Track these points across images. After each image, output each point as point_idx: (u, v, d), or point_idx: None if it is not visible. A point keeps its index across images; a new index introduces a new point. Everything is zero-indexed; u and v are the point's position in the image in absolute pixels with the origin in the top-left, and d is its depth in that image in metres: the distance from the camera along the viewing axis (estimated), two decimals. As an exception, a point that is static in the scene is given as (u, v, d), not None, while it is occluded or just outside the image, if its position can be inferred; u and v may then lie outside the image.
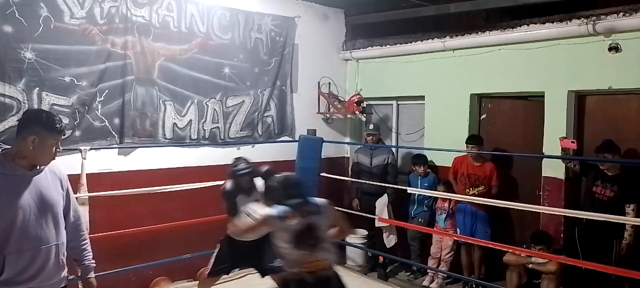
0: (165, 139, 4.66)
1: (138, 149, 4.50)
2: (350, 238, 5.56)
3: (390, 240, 5.23)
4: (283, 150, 5.45)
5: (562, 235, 4.39)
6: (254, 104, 5.29)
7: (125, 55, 4.32)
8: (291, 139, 5.54)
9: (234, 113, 5.14)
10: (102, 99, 4.23)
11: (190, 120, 4.82)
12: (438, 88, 5.36)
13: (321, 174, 5.20)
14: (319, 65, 5.92)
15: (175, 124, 4.71)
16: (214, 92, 4.95)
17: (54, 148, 2.18)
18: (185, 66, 4.72)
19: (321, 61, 5.95)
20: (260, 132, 5.41)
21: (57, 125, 2.17)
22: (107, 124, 4.30)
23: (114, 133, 4.33)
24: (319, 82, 5.89)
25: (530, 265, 4.14)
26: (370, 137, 5.35)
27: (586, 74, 4.26)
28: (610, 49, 4.07)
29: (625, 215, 3.83)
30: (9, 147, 2.21)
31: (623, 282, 3.95)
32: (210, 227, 4.45)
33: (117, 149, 4.38)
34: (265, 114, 5.43)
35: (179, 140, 4.76)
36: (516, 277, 4.20)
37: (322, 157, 5.25)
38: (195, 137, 4.86)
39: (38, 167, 2.19)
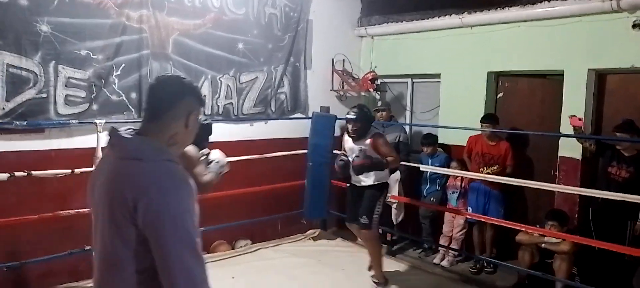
0: (180, 113, 4.68)
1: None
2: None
3: (398, 217, 5.22)
4: (296, 127, 5.45)
5: (576, 216, 4.34)
6: (267, 80, 5.28)
7: (140, 29, 4.32)
8: (304, 116, 5.53)
9: (247, 89, 5.14)
10: (118, 72, 4.25)
11: (204, 96, 4.84)
12: (454, 66, 5.27)
13: (334, 152, 5.19)
14: (333, 42, 5.86)
15: (189, 99, 4.72)
16: (228, 67, 4.95)
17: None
18: (199, 41, 4.72)
19: (335, 38, 5.89)
20: (273, 109, 5.41)
21: (203, 97, 1.76)
22: (124, 98, 4.32)
23: (131, 107, 4.37)
24: (332, 59, 5.84)
25: (543, 245, 4.11)
26: (379, 113, 5.29)
27: (608, 52, 4.15)
28: (634, 26, 3.94)
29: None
30: (144, 130, 1.47)
31: (636, 263, 3.91)
32: (227, 200, 4.52)
33: (133, 123, 4.41)
34: (278, 91, 5.42)
35: (193, 115, 4.78)
36: (528, 256, 4.18)
37: (335, 134, 5.24)
38: (209, 113, 4.88)
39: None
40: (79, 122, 3.97)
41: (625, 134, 3.87)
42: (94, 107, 4.13)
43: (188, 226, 1.33)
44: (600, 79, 4.37)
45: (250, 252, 4.83)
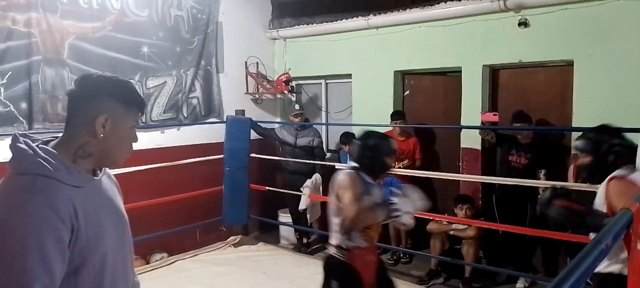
0: (80, 123, 4.36)
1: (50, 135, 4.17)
2: (282, 218, 5.59)
3: (313, 216, 5.27)
4: (211, 133, 5.31)
5: (480, 202, 4.66)
6: (177, 84, 5.09)
7: (29, 33, 3.96)
8: (219, 121, 5.41)
9: (155, 94, 4.91)
10: (4, 81, 3.87)
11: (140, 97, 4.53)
12: (364, 66, 5.44)
13: (251, 155, 5.13)
14: (246, 45, 5.80)
15: (90, 107, 4.41)
16: (132, 72, 4.69)
17: (133, 134, 1.36)
18: (99, 45, 4.43)
19: (248, 40, 5.83)
20: (185, 114, 5.22)
21: (138, 97, 1.37)
22: (13, 109, 3.94)
23: (21, 118, 3.99)
24: (246, 62, 5.77)
25: (451, 232, 4.36)
26: (297, 118, 5.29)
27: (498, 49, 4.50)
28: (519, 24, 4.32)
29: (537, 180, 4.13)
30: (54, 138, 1.32)
31: (536, 243, 4.29)
32: (140, 212, 4.27)
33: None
34: (190, 95, 5.25)
35: (95, 125, 4.47)
36: (439, 244, 4.42)
37: (251, 137, 5.18)
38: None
39: (102, 170, 1.38)
40: (-42, 138, 3.55)
41: (521, 123, 4.23)
42: (-23, 120, 3.72)
43: (28, 265, 1.07)
44: (493, 74, 4.74)
45: (166, 265, 4.61)
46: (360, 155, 2.58)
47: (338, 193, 2.49)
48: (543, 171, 4.18)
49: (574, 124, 4.01)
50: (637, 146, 2.42)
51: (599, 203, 2.23)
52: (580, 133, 2.60)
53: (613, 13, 3.87)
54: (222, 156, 4.98)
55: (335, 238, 2.56)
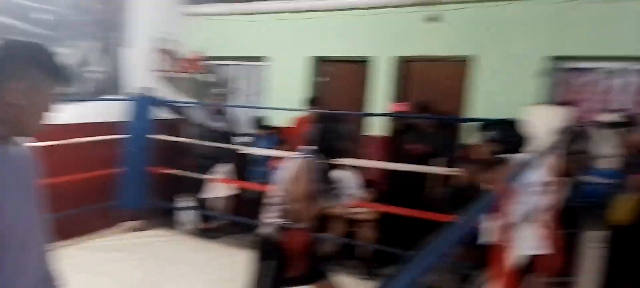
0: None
1: None
2: (184, 203, 5.40)
3: (224, 204, 5.17)
4: (113, 111, 4.98)
5: (381, 187, 4.78)
6: (76, 56, 4.72)
7: None
8: (123, 98, 5.09)
9: (49, 65, 4.52)
10: None
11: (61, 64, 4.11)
12: (280, 50, 5.39)
13: (154, 136, 4.89)
14: (157, 19, 5.49)
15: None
16: (22, 39, 4.28)
17: (49, 105, 1.30)
18: (-20, 6, 3.99)
19: (159, 14, 5.53)
20: (85, 89, 4.87)
21: (60, 66, 1.31)
22: None
23: None
24: (156, 37, 5.49)
25: (352, 215, 4.45)
26: (217, 99, 5.11)
27: (409, 41, 4.63)
28: (427, 19, 4.47)
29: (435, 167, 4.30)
30: None
31: (432, 226, 4.48)
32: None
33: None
34: (91, 69, 4.90)
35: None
36: (340, 227, 4.50)
37: (156, 118, 4.93)
38: None
39: (13, 141, 1.30)
40: None
41: (423, 113, 4.38)
42: None
43: None
44: (402, 65, 4.87)
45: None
46: (319, 138, 2.54)
47: (288, 179, 2.46)
48: (440, 158, 4.38)
49: (470, 116, 4.22)
50: (528, 137, 2.68)
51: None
52: (477, 123, 2.78)
53: (511, 14, 4.11)
54: (123, 136, 4.71)
55: (269, 219, 2.55)
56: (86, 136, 4.58)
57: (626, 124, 3.11)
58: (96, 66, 4.95)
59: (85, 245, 4.50)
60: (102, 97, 5.01)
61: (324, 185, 2.54)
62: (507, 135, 2.57)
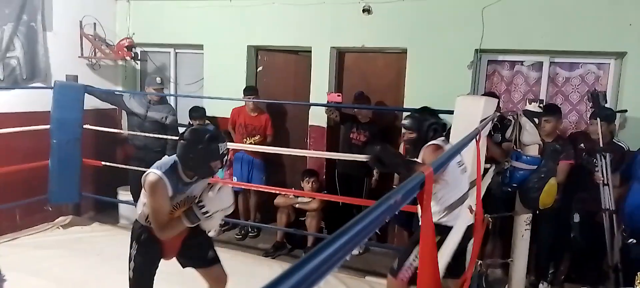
0: None
1: None
2: (122, 196, 5.18)
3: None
4: (35, 99, 4.64)
5: (324, 177, 4.93)
6: (-8, 41, 4.31)
7: None
8: (45, 86, 4.74)
9: (-41, 50, 4.10)
10: None
11: None
12: (217, 37, 5.28)
13: (85, 127, 4.62)
14: (82, 2, 5.17)
15: None
16: None
17: None
18: None
19: (84, -3, 5.19)
20: (1, 77, 4.47)
21: None
22: None
23: None
24: (81, 21, 5.14)
25: (297, 205, 4.55)
26: (156, 89, 4.85)
27: (345, 33, 4.76)
28: (363, 11, 4.62)
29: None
30: None
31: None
32: None
33: None
34: (7, 55, 4.49)
35: None
36: (285, 217, 4.58)
37: (86, 107, 4.65)
38: None
39: None
40: None
41: (361, 103, 4.55)
42: None
43: None
44: (340, 57, 5.01)
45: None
46: (184, 153, 2.36)
47: (145, 191, 2.36)
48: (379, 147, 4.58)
49: (406, 106, 4.46)
50: (449, 124, 2.85)
51: None
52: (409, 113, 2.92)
53: (443, 9, 4.37)
54: (48, 127, 4.39)
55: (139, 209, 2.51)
56: (8, 127, 4.23)
57: (544, 113, 3.47)
58: (14, 51, 4.54)
59: (18, 242, 4.18)
60: (27, 86, 4.63)
61: (187, 200, 2.45)
62: (419, 123, 2.67)
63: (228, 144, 4.74)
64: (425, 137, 2.65)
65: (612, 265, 3.44)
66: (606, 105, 3.62)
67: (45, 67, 4.84)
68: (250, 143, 4.84)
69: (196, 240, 2.64)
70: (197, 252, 2.65)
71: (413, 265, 2.57)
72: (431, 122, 2.67)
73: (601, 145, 3.50)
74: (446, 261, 2.13)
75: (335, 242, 0.67)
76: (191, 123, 5.07)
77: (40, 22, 4.74)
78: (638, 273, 2.49)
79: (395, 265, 2.65)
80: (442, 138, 2.66)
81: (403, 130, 2.95)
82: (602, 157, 3.50)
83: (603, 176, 3.50)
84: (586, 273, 3.82)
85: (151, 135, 4.65)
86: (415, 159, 2.58)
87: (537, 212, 3.29)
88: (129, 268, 2.51)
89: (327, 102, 4.51)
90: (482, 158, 2.87)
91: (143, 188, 2.39)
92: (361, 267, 4.19)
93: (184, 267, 2.68)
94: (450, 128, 2.87)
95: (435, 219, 2.52)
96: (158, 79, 4.90)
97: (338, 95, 4.47)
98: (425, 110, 2.80)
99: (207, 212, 2.35)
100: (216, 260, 2.69)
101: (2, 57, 4.43)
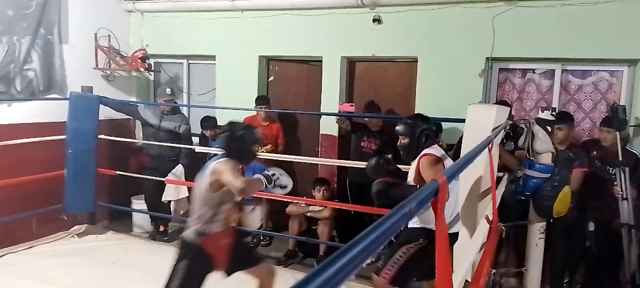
0: None
1: None
2: (136, 205, 5.24)
3: (179, 209, 5.07)
4: (51, 110, 4.73)
5: (335, 185, 4.94)
6: (8, 53, 4.42)
7: None
8: (61, 97, 4.83)
9: (-22, 63, 4.20)
10: None
11: None
12: (228, 48, 5.34)
13: (100, 136, 4.69)
14: (96, 15, 5.26)
15: None
16: (-53, 35, 3.95)
17: None
18: None
19: (98, 10, 5.30)
20: (19, 88, 4.56)
21: None
22: None
23: None
24: (96, 34, 5.24)
25: (308, 213, 4.56)
26: (167, 100, 4.94)
27: (355, 42, 4.79)
28: (374, 20, 4.65)
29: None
30: None
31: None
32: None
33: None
34: (25, 67, 4.60)
35: None
36: (297, 225, 4.59)
37: (101, 118, 4.73)
38: None
39: None
40: None
41: (371, 112, 4.56)
42: None
43: None
44: (350, 66, 5.03)
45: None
46: (227, 145, 2.57)
47: (213, 178, 2.45)
48: (391, 155, 4.58)
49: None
50: (441, 127, 2.92)
51: (411, 178, 2.73)
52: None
53: (453, 17, 4.38)
54: (64, 137, 4.47)
55: (193, 224, 2.53)
56: (26, 138, 4.31)
57: (557, 121, 3.45)
58: (31, 63, 4.64)
59: (32, 250, 4.24)
60: (44, 97, 4.73)
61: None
62: (412, 129, 2.76)
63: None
64: (418, 143, 2.77)
65: (630, 277, 3.39)
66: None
67: (61, 78, 4.93)
68: (262, 152, 4.87)
69: (240, 244, 2.79)
70: (246, 254, 2.82)
71: (396, 265, 2.68)
72: (423, 128, 2.77)
73: (620, 158, 3.42)
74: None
75: (351, 251, 0.68)
76: (203, 132, 5.14)
77: (56, 35, 4.84)
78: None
79: (380, 264, 2.76)
80: (436, 145, 2.75)
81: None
82: (622, 171, 3.43)
83: (622, 190, 3.44)
84: (601, 282, 3.77)
85: (165, 144, 4.72)
86: (414, 184, 2.67)
87: (551, 220, 3.26)
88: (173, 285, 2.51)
89: (339, 111, 4.53)
90: (495, 167, 2.87)
91: (207, 183, 2.48)
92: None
93: (229, 274, 2.70)
94: (461, 137, 2.87)
95: (418, 224, 2.64)
96: (168, 90, 4.98)
97: (351, 105, 4.49)
98: (417, 117, 2.91)
99: (278, 178, 2.58)
100: (263, 256, 2.84)
101: (20, 70, 4.53)
